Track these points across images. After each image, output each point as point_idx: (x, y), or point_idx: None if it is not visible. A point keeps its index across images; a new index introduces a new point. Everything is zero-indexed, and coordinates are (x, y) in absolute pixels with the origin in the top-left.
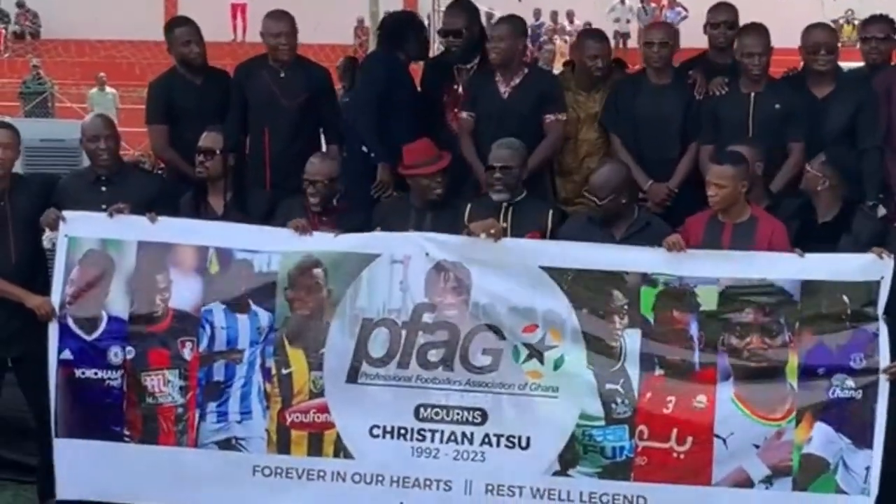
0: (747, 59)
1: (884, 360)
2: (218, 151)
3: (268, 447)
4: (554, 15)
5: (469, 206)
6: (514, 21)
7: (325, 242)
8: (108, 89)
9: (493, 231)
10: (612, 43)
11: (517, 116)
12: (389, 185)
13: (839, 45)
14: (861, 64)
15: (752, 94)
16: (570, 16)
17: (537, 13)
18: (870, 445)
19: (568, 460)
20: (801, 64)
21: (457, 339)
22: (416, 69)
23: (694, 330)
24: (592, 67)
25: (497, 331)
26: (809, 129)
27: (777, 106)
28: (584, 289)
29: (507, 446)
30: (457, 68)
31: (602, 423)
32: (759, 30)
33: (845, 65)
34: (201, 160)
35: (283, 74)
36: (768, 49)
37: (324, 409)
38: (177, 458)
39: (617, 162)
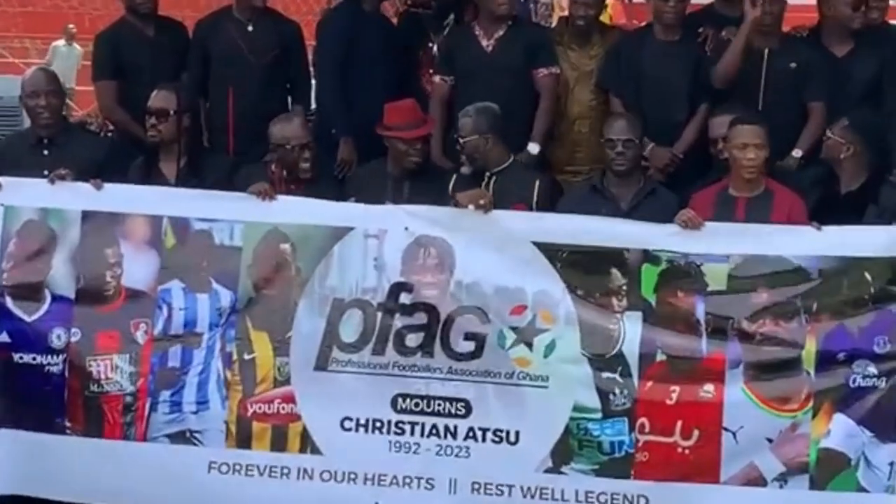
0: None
1: None
2: (172, 112)
3: (226, 441)
4: None
5: (455, 175)
6: None
7: (291, 210)
8: (76, 45)
9: (482, 202)
10: None
11: (504, 72)
12: (352, 164)
13: None
14: None
15: (766, 51)
16: None
17: None
18: (894, 439)
19: (561, 456)
20: (818, 20)
21: (437, 323)
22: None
23: (700, 312)
24: (575, 16)
25: (481, 313)
26: (830, 89)
27: (793, 64)
28: (580, 267)
29: (493, 441)
30: (431, 25)
31: (599, 415)
32: None
33: None
34: (153, 122)
35: (250, 28)
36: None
37: (289, 399)
38: (123, 452)
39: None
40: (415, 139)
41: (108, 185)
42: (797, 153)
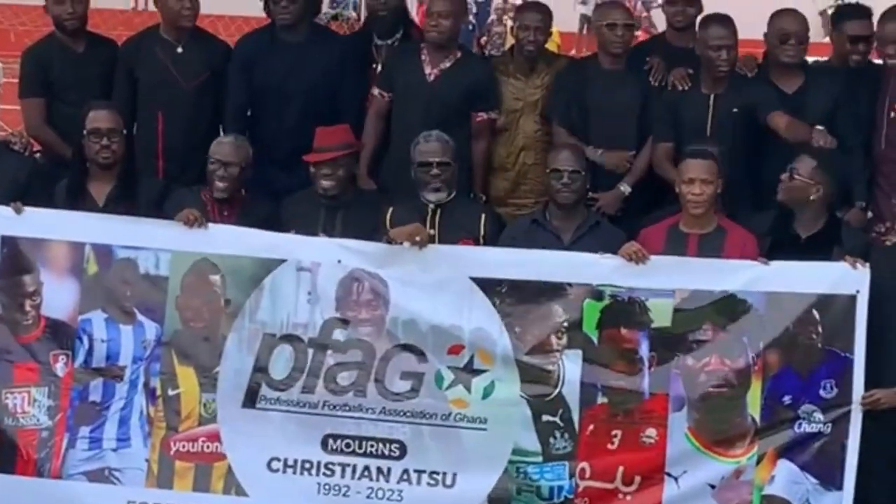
0: (713, 52)
1: (858, 389)
2: (123, 130)
3: (147, 480)
4: None
5: (391, 208)
6: None
7: (221, 239)
8: None
9: (418, 238)
10: (577, 26)
11: (441, 105)
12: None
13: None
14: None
15: (712, 96)
16: None
17: None
18: (839, 486)
19: (500, 500)
20: (763, 54)
21: (371, 361)
22: None
23: (644, 350)
24: (524, 41)
25: (418, 352)
26: None
27: (735, 110)
28: (519, 303)
29: (429, 484)
30: (376, 46)
31: (539, 459)
32: (725, 20)
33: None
34: (105, 143)
35: (179, 50)
36: (736, 42)
37: (214, 438)
38: (36, 490)
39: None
40: (319, 163)
41: (28, 209)
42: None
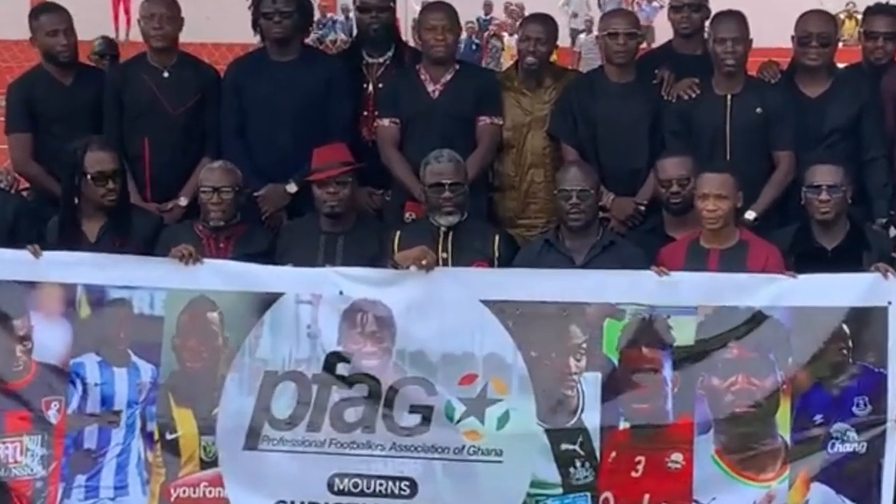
0: (719, 46)
1: (893, 406)
2: (124, 170)
3: None
4: (507, 7)
5: (398, 232)
6: (452, 9)
7: (217, 275)
8: None
9: (424, 262)
10: (569, 42)
11: (449, 118)
12: (276, 215)
13: (839, 40)
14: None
15: (729, 97)
16: (521, 9)
17: (488, 7)
18: None
19: None
20: (791, 58)
21: (379, 395)
22: None
23: (667, 371)
24: (524, 51)
25: (427, 384)
26: (801, 133)
27: (759, 109)
28: (535, 325)
29: None
30: (366, 64)
31: (559, 490)
32: (733, 15)
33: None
34: (111, 187)
35: (166, 74)
36: (745, 38)
37: (217, 482)
38: None
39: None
40: (326, 180)
41: (12, 252)
42: (751, 215)
